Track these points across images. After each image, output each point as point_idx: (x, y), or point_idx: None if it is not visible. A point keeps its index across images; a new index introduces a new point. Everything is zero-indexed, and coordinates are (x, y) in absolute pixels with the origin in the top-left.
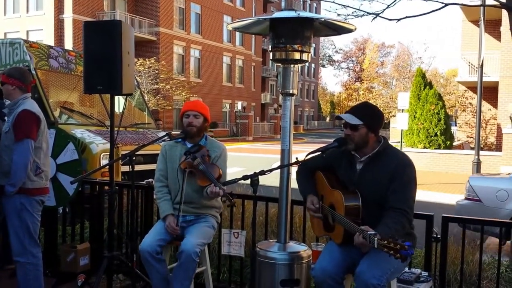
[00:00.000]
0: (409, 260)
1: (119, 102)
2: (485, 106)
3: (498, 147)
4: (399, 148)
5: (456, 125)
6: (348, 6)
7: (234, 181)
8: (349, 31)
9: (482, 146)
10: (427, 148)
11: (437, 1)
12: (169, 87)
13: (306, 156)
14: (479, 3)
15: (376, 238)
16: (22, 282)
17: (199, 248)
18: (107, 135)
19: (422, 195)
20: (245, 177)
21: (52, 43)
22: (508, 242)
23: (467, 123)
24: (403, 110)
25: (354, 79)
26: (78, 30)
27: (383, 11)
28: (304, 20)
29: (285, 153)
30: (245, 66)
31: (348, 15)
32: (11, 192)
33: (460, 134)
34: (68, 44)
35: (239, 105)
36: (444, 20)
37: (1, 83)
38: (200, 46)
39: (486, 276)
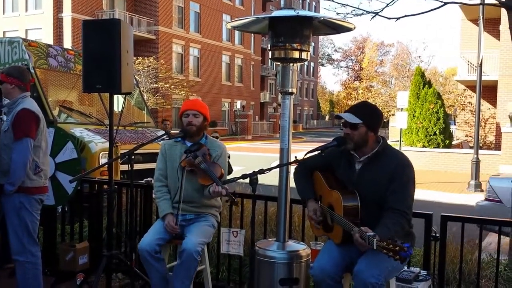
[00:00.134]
0: (408, 259)
1: (118, 101)
2: (484, 105)
3: (497, 146)
4: (398, 147)
5: (455, 124)
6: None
7: (233, 180)
8: (348, 29)
9: (481, 145)
10: (426, 147)
11: (436, 0)
12: (168, 86)
13: (305, 155)
14: (478, 1)
15: (375, 240)
16: (21, 281)
17: (201, 247)
18: (106, 134)
19: (421, 194)
20: (244, 176)
21: (51, 42)
22: (507, 241)
23: (466, 122)
24: (402, 109)
25: (353, 78)
26: (77, 29)
27: (382, 10)
28: (303, 18)
29: (284, 152)
30: (244, 65)
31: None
32: (10, 191)
33: (459, 133)
34: (67, 43)
35: (238, 104)
36: (443, 18)
37: (0, 82)
38: (199, 45)
39: (485, 275)
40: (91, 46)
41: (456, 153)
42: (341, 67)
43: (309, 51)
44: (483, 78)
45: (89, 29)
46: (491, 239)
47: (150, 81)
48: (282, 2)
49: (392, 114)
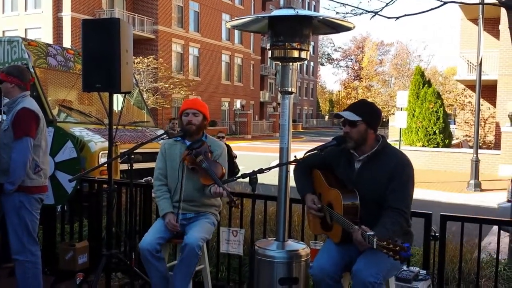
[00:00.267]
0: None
1: (118, 100)
2: (484, 104)
3: (496, 145)
4: (397, 147)
5: (454, 124)
6: (347, 4)
7: (233, 179)
8: (348, 29)
9: (480, 144)
10: (425, 146)
11: None
12: (167, 85)
13: (305, 154)
14: (478, 1)
15: (375, 239)
16: (21, 280)
17: (202, 242)
18: (105, 133)
19: (420, 193)
20: (243, 175)
21: (50, 41)
22: (507, 240)
23: (465, 122)
24: (401, 108)
25: (353, 77)
26: (77, 28)
27: (381, 9)
28: (303, 18)
29: (283, 151)
30: (244, 65)
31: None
32: (10, 190)
33: (458, 132)
34: (67, 42)
35: (238, 104)
36: (443, 18)
37: (0, 81)
38: (199, 44)
39: (484, 275)
40: (90, 46)
41: (455, 152)
42: (340, 66)
43: (308, 51)
44: (483, 77)
45: (89, 28)
46: (490, 238)
47: (149, 80)
48: (281, 2)
49: (392, 114)
